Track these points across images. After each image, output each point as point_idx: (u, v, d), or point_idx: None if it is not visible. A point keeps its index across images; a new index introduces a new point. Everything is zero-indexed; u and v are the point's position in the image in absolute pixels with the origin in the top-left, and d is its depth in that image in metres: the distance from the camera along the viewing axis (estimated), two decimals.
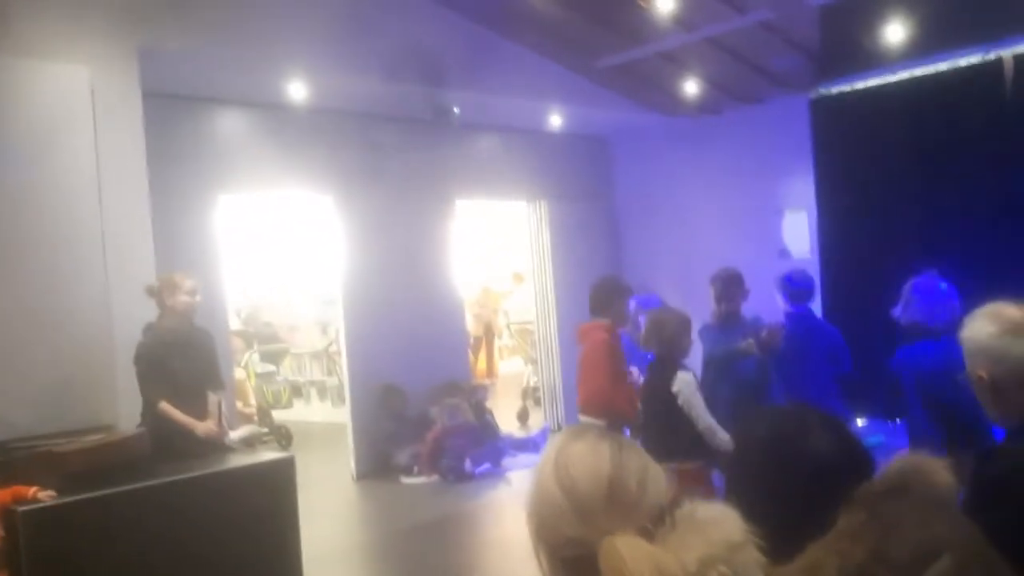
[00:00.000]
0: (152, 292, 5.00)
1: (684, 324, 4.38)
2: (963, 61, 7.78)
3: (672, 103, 9.23)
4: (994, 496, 1.72)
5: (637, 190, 10.46)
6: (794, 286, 5.17)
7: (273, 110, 7.72)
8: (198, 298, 5.07)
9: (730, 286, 5.23)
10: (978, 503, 1.72)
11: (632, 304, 5.35)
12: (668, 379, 4.21)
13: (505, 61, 8.09)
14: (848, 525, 1.28)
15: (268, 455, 5.51)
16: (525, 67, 8.27)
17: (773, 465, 1.42)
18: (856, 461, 1.43)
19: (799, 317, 5.14)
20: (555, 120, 9.47)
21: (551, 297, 9.95)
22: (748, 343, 4.80)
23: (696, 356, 4.84)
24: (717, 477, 4.11)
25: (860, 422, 8.09)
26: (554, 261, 9.96)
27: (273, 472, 4.63)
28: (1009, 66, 7.59)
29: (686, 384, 4.18)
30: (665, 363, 4.31)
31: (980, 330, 1.91)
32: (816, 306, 7.49)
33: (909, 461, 1.40)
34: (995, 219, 7.63)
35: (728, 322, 5.18)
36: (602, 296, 4.94)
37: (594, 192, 10.54)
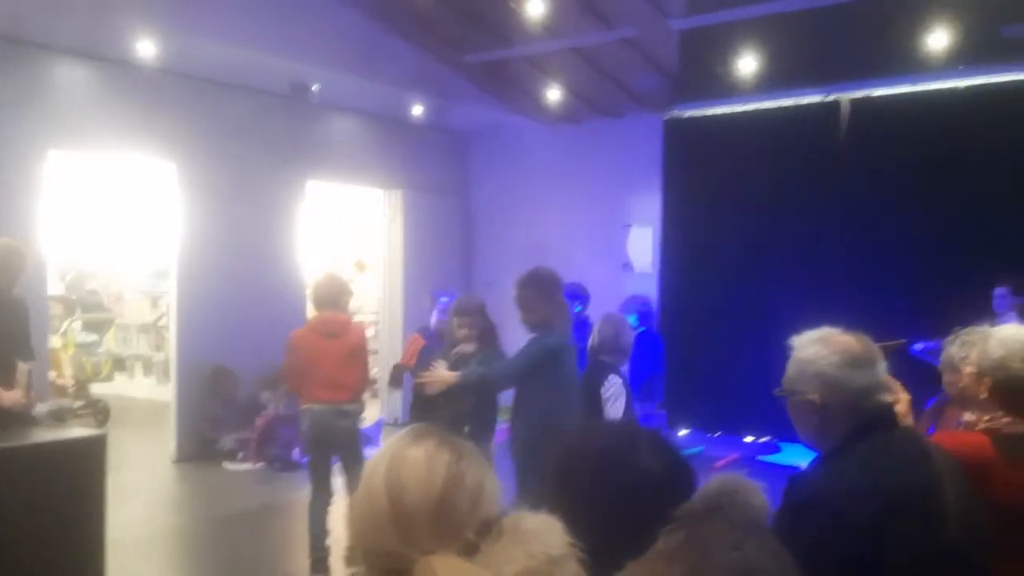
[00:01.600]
0: None
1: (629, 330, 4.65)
2: (805, 100, 8.29)
3: (534, 107, 9.34)
4: (802, 520, 1.77)
5: (493, 188, 10.52)
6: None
7: (118, 66, 7.25)
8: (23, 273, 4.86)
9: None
10: (787, 525, 1.77)
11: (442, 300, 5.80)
12: (600, 381, 4.35)
13: (371, 44, 7.94)
14: (666, 546, 1.29)
15: (77, 431, 5.17)
16: (391, 53, 8.14)
17: (601, 479, 1.42)
18: (679, 481, 1.44)
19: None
20: (417, 110, 9.38)
21: (399, 288, 9.85)
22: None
23: None
24: None
25: (682, 432, 8.46)
26: (405, 252, 9.86)
27: (81, 449, 4.33)
28: (845, 108, 8.15)
29: (616, 387, 4.34)
30: (603, 366, 4.44)
31: (819, 357, 1.95)
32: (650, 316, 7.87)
33: (725, 481, 1.43)
34: (818, 247, 8.19)
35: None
36: None
37: (451, 186, 10.52)
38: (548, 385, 4.21)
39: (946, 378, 2.62)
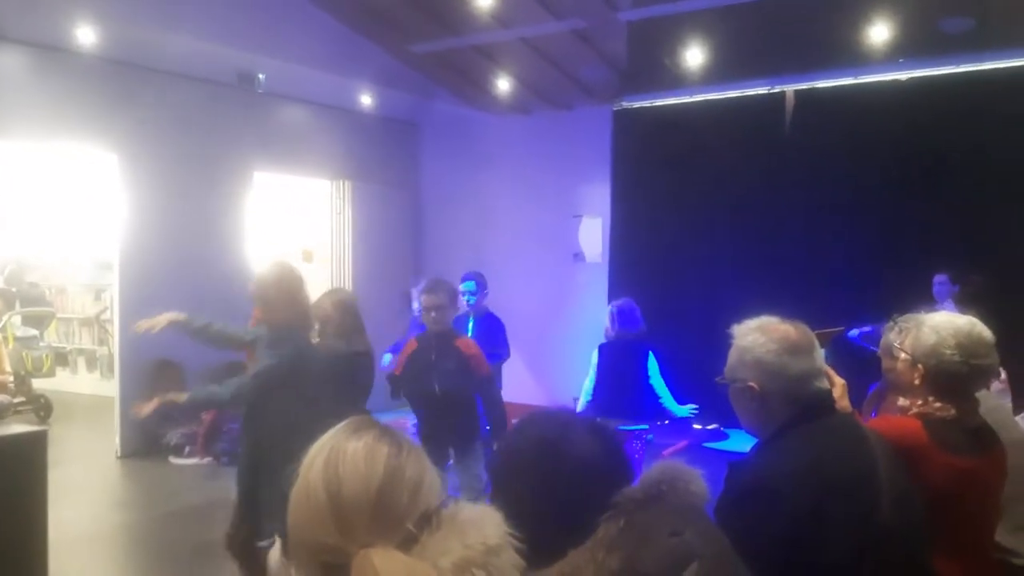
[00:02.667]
0: None
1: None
2: (751, 91, 8.40)
3: (483, 97, 9.32)
4: (742, 504, 1.81)
5: (442, 179, 10.48)
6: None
7: (56, 53, 7.06)
8: None
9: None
10: (727, 510, 1.81)
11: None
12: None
13: (318, 33, 7.84)
14: (606, 533, 1.30)
15: (15, 427, 5.03)
16: (339, 42, 8.05)
17: (537, 467, 1.42)
18: (616, 468, 1.45)
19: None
20: (365, 100, 9.30)
21: (347, 279, 9.77)
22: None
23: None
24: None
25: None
26: (354, 244, 9.78)
27: (20, 446, 4.22)
28: (790, 100, 8.27)
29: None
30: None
31: (758, 344, 2.00)
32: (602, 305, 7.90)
33: (666, 468, 1.44)
34: (763, 237, 8.32)
35: None
36: None
37: (400, 177, 10.46)
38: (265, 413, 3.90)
39: (885, 364, 2.68)
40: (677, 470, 1.44)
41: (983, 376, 2.36)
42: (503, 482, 1.47)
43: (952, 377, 2.30)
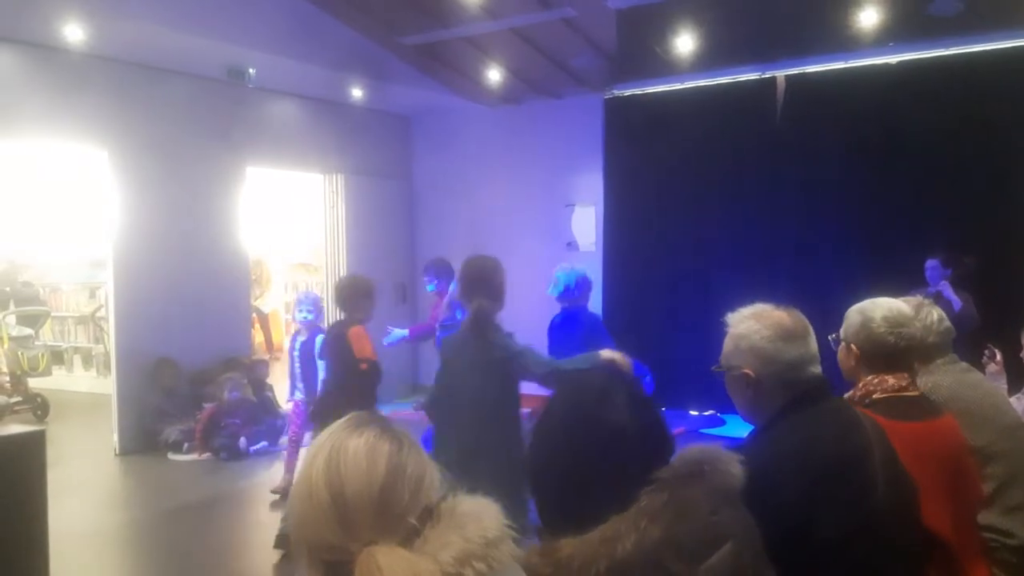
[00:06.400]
0: None
1: None
2: (742, 77, 8.40)
3: (474, 88, 9.30)
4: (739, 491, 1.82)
5: (435, 171, 10.47)
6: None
7: (44, 51, 7.03)
8: None
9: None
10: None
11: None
12: None
13: (308, 27, 7.82)
14: (650, 504, 1.32)
15: (13, 428, 5.02)
16: (329, 35, 8.03)
17: (574, 434, 1.43)
18: (655, 434, 1.46)
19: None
20: (357, 93, 9.27)
21: (342, 273, 9.75)
22: None
23: None
24: None
25: None
26: (347, 237, 9.77)
27: (18, 447, 4.21)
28: (781, 86, 8.28)
29: None
30: None
31: (752, 331, 2.00)
32: (597, 294, 7.88)
33: (706, 450, 1.46)
34: (755, 222, 8.34)
35: None
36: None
37: (392, 169, 10.45)
38: None
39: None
40: (717, 452, 1.46)
41: (911, 345, 2.43)
42: (540, 448, 1.47)
43: (883, 348, 2.38)
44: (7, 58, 6.92)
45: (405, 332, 6.52)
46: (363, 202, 9.89)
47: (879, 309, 2.42)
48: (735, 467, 1.44)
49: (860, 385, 2.40)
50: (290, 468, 6.13)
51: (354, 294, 5.01)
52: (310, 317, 6.15)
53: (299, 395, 6.20)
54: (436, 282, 6.52)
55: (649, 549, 1.28)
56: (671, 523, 1.30)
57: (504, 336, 3.49)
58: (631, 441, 1.41)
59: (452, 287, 5.84)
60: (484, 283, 3.58)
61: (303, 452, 4.61)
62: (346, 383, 4.78)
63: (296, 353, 6.19)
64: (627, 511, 1.32)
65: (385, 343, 6.22)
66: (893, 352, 2.38)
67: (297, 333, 6.30)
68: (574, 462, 1.40)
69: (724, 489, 1.40)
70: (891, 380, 2.35)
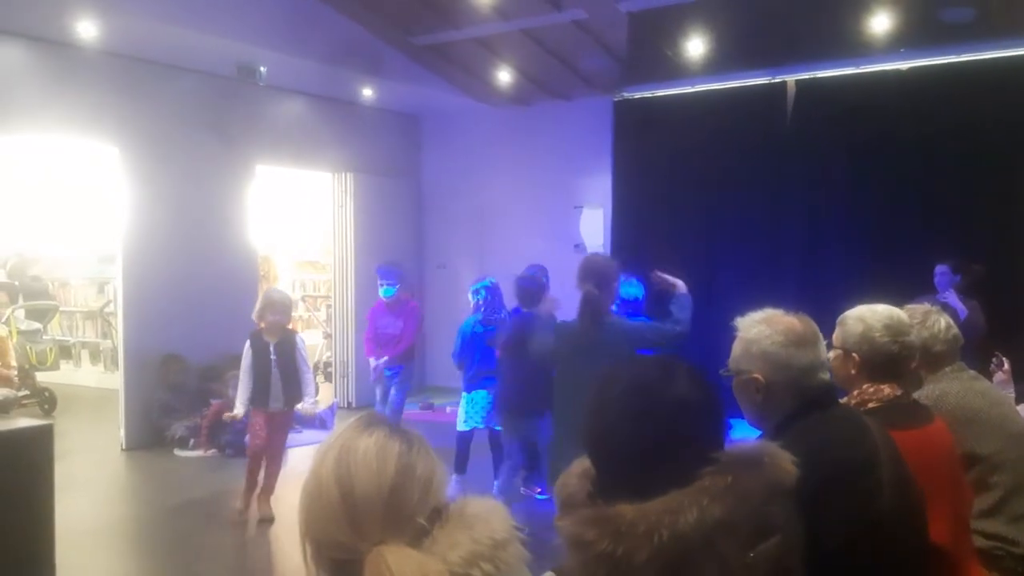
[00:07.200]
0: None
1: None
2: (752, 81, 8.39)
3: (484, 89, 9.31)
4: None
5: (444, 170, 10.48)
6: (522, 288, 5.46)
7: (56, 47, 7.07)
8: None
9: None
10: None
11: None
12: None
13: (320, 26, 7.84)
14: (712, 484, 1.32)
15: (22, 422, 5.06)
16: (340, 34, 8.05)
17: (636, 399, 1.42)
18: (715, 412, 1.46)
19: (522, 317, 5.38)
20: (366, 92, 9.30)
21: (351, 271, 9.79)
22: None
23: None
24: None
25: None
26: (356, 235, 9.79)
27: (26, 441, 4.25)
28: (792, 91, 8.27)
29: None
30: None
31: (763, 336, 2.01)
32: None
33: (764, 444, 1.48)
34: (763, 227, 8.32)
35: None
36: None
37: (401, 169, 10.47)
38: None
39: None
40: (774, 447, 1.47)
41: (910, 353, 2.42)
42: (601, 415, 1.46)
43: (886, 358, 2.36)
44: (19, 54, 6.95)
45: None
46: (371, 201, 9.91)
47: (879, 317, 2.40)
48: (791, 464, 1.44)
49: (855, 393, 2.38)
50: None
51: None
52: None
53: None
54: (399, 285, 6.70)
55: (708, 528, 1.28)
56: (732, 506, 1.31)
57: (616, 318, 4.31)
58: (694, 416, 1.42)
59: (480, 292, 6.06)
60: (598, 275, 4.25)
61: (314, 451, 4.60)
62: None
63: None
64: (688, 486, 1.32)
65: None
66: (895, 361, 2.37)
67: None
68: (638, 432, 1.39)
69: (779, 483, 1.41)
70: (886, 389, 2.35)
